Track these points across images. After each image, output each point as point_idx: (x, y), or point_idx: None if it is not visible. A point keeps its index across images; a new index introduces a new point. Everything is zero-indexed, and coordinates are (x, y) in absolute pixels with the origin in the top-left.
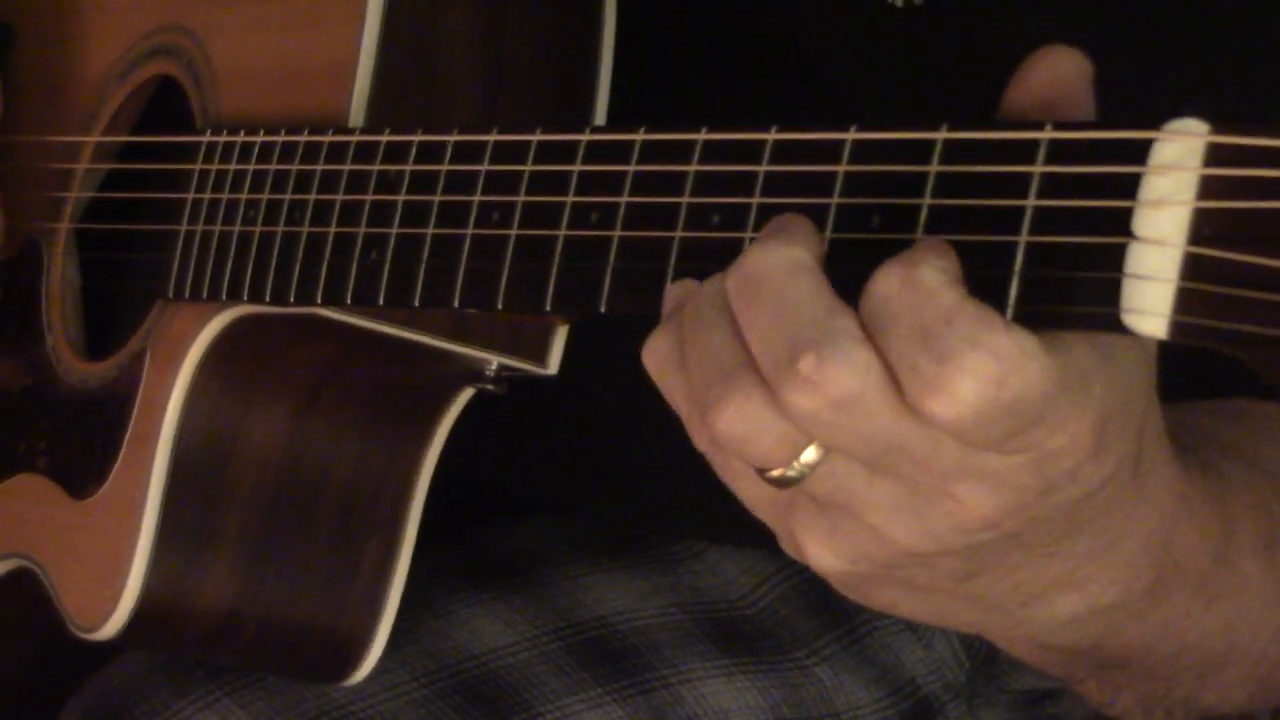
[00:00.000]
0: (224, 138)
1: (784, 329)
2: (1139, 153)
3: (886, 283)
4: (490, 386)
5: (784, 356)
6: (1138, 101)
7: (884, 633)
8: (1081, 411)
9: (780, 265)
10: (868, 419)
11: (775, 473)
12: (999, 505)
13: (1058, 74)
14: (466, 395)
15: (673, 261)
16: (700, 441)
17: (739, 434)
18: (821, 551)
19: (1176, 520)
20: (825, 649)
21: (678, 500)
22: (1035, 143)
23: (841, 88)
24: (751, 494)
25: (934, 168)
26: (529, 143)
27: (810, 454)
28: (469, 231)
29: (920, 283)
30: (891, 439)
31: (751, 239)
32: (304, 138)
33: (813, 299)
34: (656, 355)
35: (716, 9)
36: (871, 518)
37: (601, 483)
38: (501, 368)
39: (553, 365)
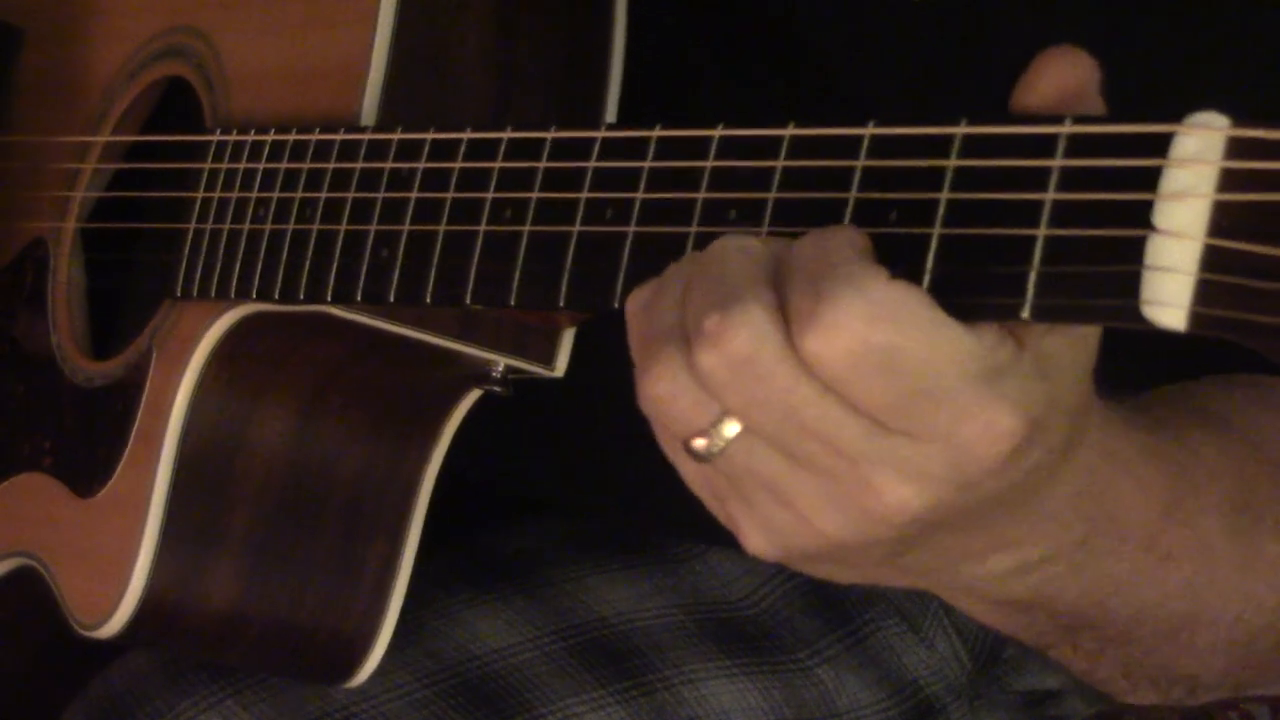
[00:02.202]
0: (234, 136)
1: (708, 293)
2: (1159, 146)
3: (799, 244)
4: (497, 388)
5: (698, 316)
6: (1148, 97)
7: (886, 633)
8: (1000, 406)
9: (731, 245)
10: (763, 383)
11: (697, 444)
12: (918, 500)
13: (1065, 77)
14: (473, 396)
15: None
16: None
17: (659, 394)
18: (758, 541)
19: (1107, 476)
20: (827, 650)
21: (681, 503)
22: (1054, 137)
23: (856, 84)
24: (690, 474)
25: (952, 162)
26: (543, 139)
27: (731, 430)
28: (482, 228)
29: (822, 241)
30: (787, 406)
31: (768, 234)
32: (316, 136)
33: (740, 271)
34: (637, 297)
35: (728, 7)
36: (800, 507)
37: (605, 485)
38: (508, 369)
39: (560, 367)
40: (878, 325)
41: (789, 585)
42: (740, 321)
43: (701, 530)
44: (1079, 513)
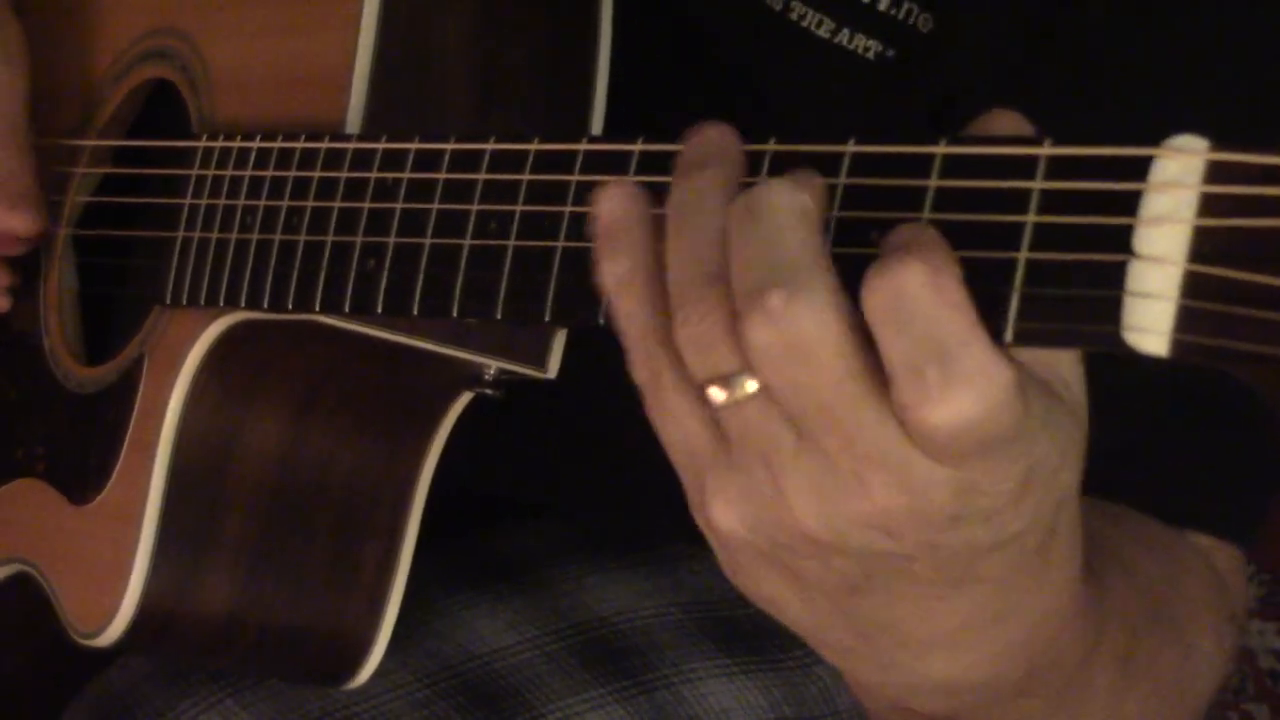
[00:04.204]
0: (220, 143)
1: (768, 260)
2: (1139, 170)
3: (910, 276)
4: (489, 391)
5: (758, 285)
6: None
7: None
8: (1016, 459)
9: (788, 205)
10: (811, 372)
11: (715, 390)
12: (905, 509)
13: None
14: (465, 399)
15: None
16: (641, 371)
17: (700, 333)
18: (726, 510)
19: (1065, 619)
20: None
21: (677, 505)
22: (1035, 159)
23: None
24: (677, 437)
25: (933, 182)
26: (527, 152)
27: (751, 386)
28: (467, 241)
29: (945, 289)
30: (824, 399)
31: None
32: (301, 144)
33: (805, 244)
34: (615, 274)
35: (686, 62)
36: (785, 483)
37: (601, 487)
38: (500, 372)
39: (552, 369)
40: (1000, 413)
41: None
42: (806, 307)
43: (696, 532)
44: (1032, 648)
